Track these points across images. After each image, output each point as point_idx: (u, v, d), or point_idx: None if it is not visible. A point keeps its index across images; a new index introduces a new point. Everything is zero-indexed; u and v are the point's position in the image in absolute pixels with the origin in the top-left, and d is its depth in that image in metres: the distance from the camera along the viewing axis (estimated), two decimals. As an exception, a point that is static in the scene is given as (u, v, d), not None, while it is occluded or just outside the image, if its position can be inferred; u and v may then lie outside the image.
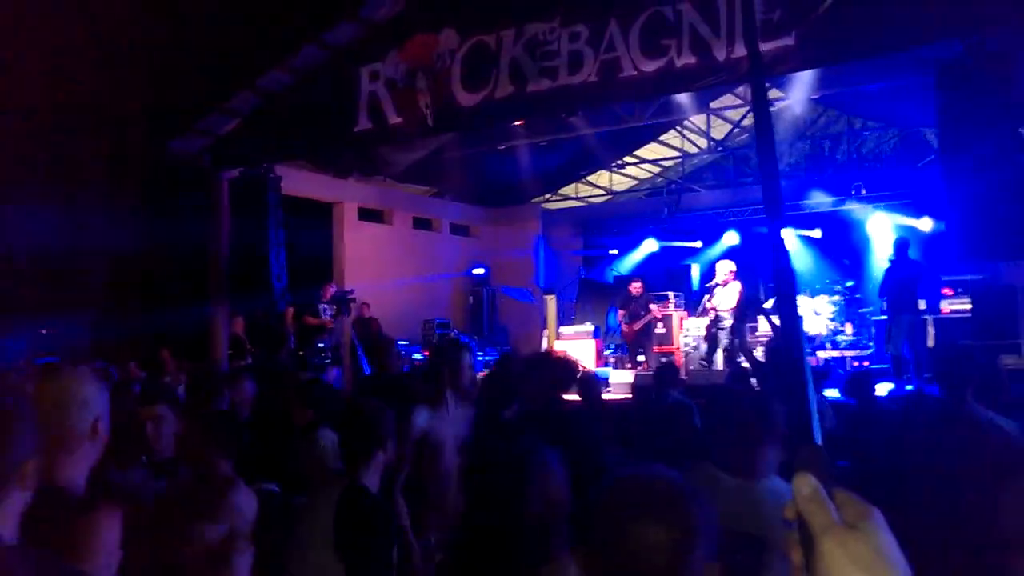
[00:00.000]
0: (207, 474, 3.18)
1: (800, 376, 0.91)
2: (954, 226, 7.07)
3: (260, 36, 9.75)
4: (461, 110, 9.21)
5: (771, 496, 2.51)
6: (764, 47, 7.34)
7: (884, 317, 11.33)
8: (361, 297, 13.07)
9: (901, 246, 10.68)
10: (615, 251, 17.68)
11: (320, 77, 10.29)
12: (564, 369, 4.06)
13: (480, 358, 14.45)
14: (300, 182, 12.98)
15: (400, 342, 14.09)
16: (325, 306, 11.85)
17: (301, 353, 11.56)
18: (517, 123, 11.95)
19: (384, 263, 14.76)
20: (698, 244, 16.67)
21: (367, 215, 15.24)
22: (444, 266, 16.45)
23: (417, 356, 14.16)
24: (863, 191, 14.27)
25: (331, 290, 12.15)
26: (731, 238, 15.88)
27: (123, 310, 12.61)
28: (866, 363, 11.69)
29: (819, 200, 14.62)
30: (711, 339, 11.85)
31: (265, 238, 11.03)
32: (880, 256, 12.92)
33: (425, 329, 15.12)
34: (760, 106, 1.10)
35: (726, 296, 11.60)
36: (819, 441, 0.89)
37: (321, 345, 11.63)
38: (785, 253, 1.00)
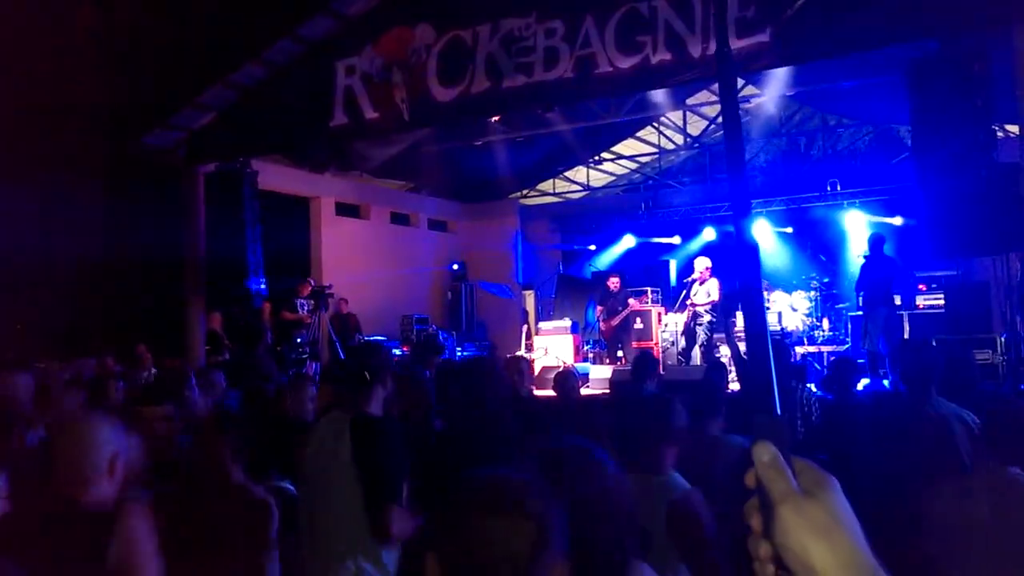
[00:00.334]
0: (222, 482, 3.19)
1: (762, 349, 0.93)
2: (927, 223, 7.15)
3: (234, 30, 9.66)
4: (437, 105, 9.19)
5: (660, 490, 2.71)
6: (739, 44, 7.37)
7: (860, 313, 11.43)
8: (339, 292, 13.02)
9: (876, 242, 10.78)
10: (593, 247, 17.73)
11: (295, 71, 10.22)
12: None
13: (459, 353, 14.45)
14: (276, 177, 12.89)
15: (378, 337, 14.09)
16: (302, 301, 11.79)
17: (279, 348, 11.50)
18: (493, 118, 11.93)
19: (362, 258, 14.70)
20: (676, 240, 16.75)
21: (344, 210, 15.17)
22: (422, 261, 16.41)
23: (396, 351, 14.13)
24: (838, 187, 14.38)
25: (309, 285, 12.09)
26: (709, 234, 15.97)
27: (98, 305, 12.49)
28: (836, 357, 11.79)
29: (795, 196, 14.73)
30: (689, 334, 11.90)
31: (242, 233, 10.96)
32: (855, 252, 13.03)
33: (403, 324, 15.08)
34: (729, 104, 1.11)
35: (704, 292, 11.67)
36: (778, 412, 0.90)
37: (299, 340, 11.58)
38: (751, 246, 1.02)
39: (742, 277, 1.03)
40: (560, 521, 1.50)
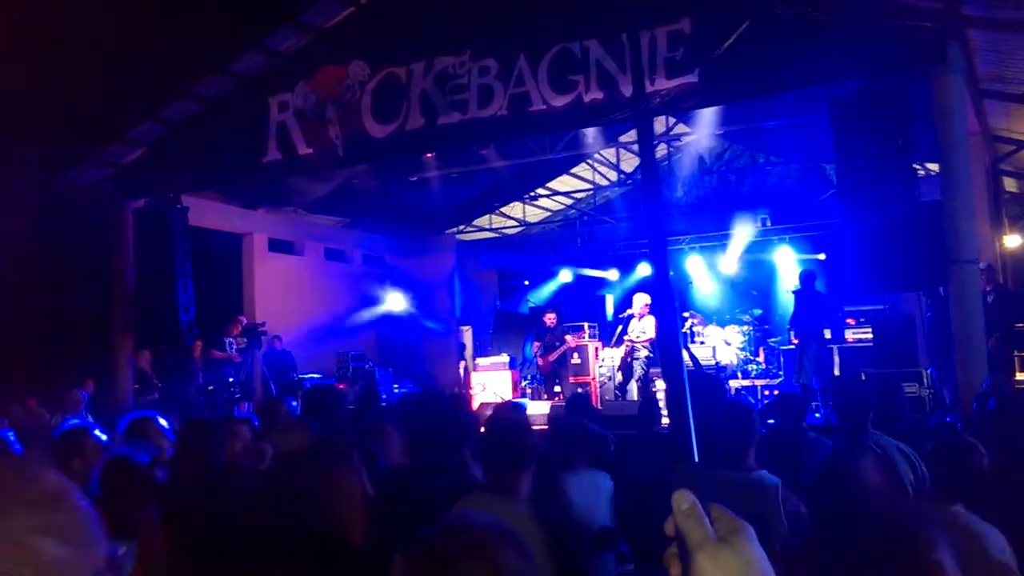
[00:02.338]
0: None
1: (680, 393, 0.95)
2: (851, 259, 7.31)
3: (163, 65, 9.49)
4: (372, 141, 9.15)
5: (516, 518, 2.67)
6: (668, 84, 7.52)
7: (792, 347, 11.64)
8: (273, 330, 12.77)
9: (807, 278, 11.03)
10: (527, 282, 17.79)
11: (227, 107, 10.09)
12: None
13: (396, 390, 14.28)
14: (208, 213, 12.65)
15: (314, 375, 13.84)
16: (231, 340, 11.52)
17: (210, 388, 11.21)
18: (428, 155, 11.93)
19: (296, 295, 14.46)
20: (612, 275, 16.90)
21: (277, 246, 14.93)
22: (358, 297, 16.22)
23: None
24: (768, 223, 14.70)
25: (240, 323, 11.83)
26: (644, 269, 16.15)
27: (23, 344, 12.00)
28: (775, 392, 11.96)
29: (724, 232, 15.02)
30: (626, 369, 11.97)
31: (171, 270, 10.73)
32: (786, 287, 13.30)
33: (339, 362, 14.86)
34: (645, 146, 1.13)
35: (642, 328, 11.77)
36: (696, 458, 0.93)
37: (230, 379, 11.30)
38: (667, 281, 1.03)
39: (660, 320, 1.04)
40: (531, 567, 1.49)
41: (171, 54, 9.22)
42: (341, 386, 14.23)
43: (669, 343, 1.00)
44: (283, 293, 14.28)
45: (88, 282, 11.23)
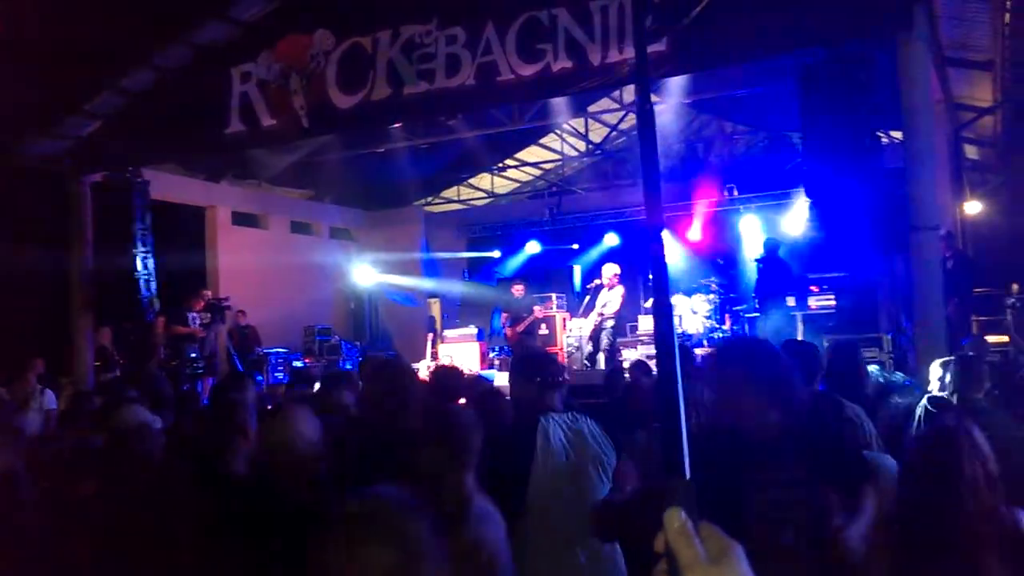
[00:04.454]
0: None
1: (673, 408, 0.94)
2: (815, 226, 7.39)
3: (123, 34, 9.22)
4: (337, 112, 9.01)
5: None
6: (637, 53, 7.47)
7: (757, 315, 11.77)
8: (237, 304, 12.63)
9: (770, 245, 11.15)
10: (498, 253, 17.76)
11: (189, 77, 9.85)
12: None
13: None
14: (169, 186, 12.44)
15: (279, 350, 13.74)
16: (194, 315, 11.36)
17: (172, 364, 11.07)
18: (395, 126, 11.79)
19: (261, 269, 14.29)
20: (578, 246, 16.93)
21: (242, 220, 14.74)
22: (325, 271, 16.09)
23: (298, 363, 13.82)
24: (735, 192, 14.80)
25: (203, 298, 11.67)
26: (611, 239, 16.19)
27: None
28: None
29: (691, 201, 15.09)
30: (596, 340, 12.03)
31: (132, 245, 10.54)
32: (751, 255, 13.42)
33: (306, 336, 14.76)
34: (644, 107, 1.11)
35: (611, 298, 11.82)
36: (688, 475, 0.93)
37: (192, 355, 11.16)
38: (662, 260, 1.01)
39: (654, 292, 1.02)
40: (438, 544, 1.51)
41: (131, 23, 8.98)
42: (307, 359, 14.19)
43: (664, 345, 0.99)
44: (248, 267, 14.11)
45: (46, 258, 10.99)
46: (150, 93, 10.04)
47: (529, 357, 3.95)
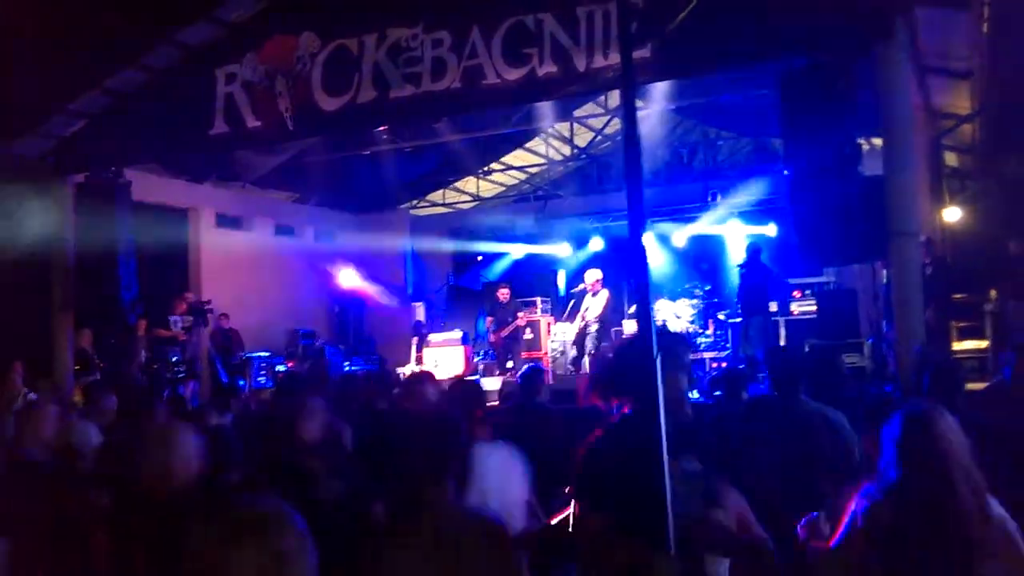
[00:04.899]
0: None
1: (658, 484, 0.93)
2: (796, 232, 7.44)
3: (109, 34, 9.19)
4: (322, 114, 9.01)
5: None
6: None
7: (740, 320, 11.85)
8: (220, 307, 12.58)
9: (753, 252, 11.24)
10: (482, 257, 17.78)
11: (174, 78, 9.82)
12: None
13: (347, 367, 14.20)
14: (152, 187, 12.37)
15: (263, 353, 13.69)
16: (177, 318, 11.31)
17: (154, 367, 11.02)
18: (381, 129, 11.80)
19: (244, 271, 14.24)
20: (565, 250, 16.98)
21: (225, 221, 14.68)
22: (309, 274, 16.05)
23: (281, 367, 13.77)
24: (719, 197, 14.89)
25: (185, 301, 11.62)
26: (596, 244, 16.25)
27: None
28: (723, 364, 12.18)
29: (678, 206, 15.16)
30: (580, 344, 12.08)
31: (114, 246, 10.44)
32: (735, 261, 13.52)
33: (289, 339, 14.71)
34: (628, 112, 1.13)
35: (595, 303, 11.88)
36: (672, 548, 0.90)
37: (175, 359, 11.11)
38: (644, 264, 1.03)
39: (637, 296, 1.04)
40: (305, 547, 1.56)
41: (117, 22, 8.95)
42: (290, 363, 14.14)
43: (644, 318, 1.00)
44: (231, 270, 14.06)
45: (27, 259, 10.92)
46: (135, 93, 10.00)
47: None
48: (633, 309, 13.97)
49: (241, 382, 12.30)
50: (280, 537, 1.54)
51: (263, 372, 13.27)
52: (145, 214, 11.50)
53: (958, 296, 9.93)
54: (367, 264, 16.78)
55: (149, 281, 11.03)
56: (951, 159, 12.64)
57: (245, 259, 14.49)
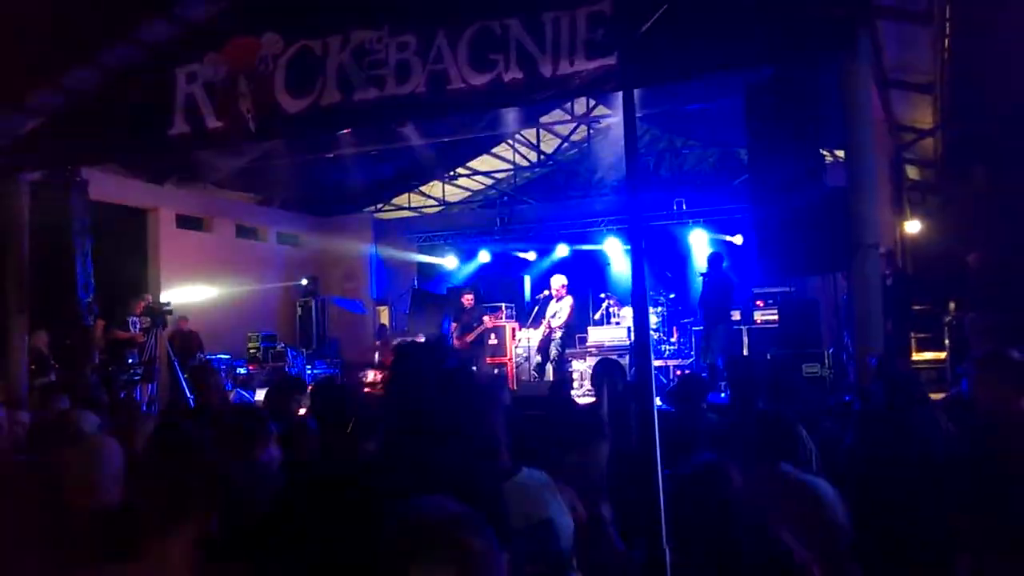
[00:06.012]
0: None
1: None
2: (759, 242, 7.47)
3: (65, 31, 8.99)
4: (285, 116, 8.87)
5: None
6: (588, 66, 7.52)
7: (702, 328, 11.88)
8: (180, 309, 12.36)
9: (714, 260, 11.29)
10: (447, 262, 17.71)
11: (133, 77, 9.63)
12: None
13: (309, 372, 14.04)
14: (111, 186, 12.14)
15: (222, 356, 13.49)
16: (135, 319, 11.11)
17: (110, 369, 10.79)
18: (344, 131, 11.67)
19: (205, 273, 14.03)
20: (531, 256, 16.95)
21: (186, 223, 14.46)
22: (271, 276, 15.85)
23: (242, 370, 13.58)
24: (684, 206, 14.96)
25: (143, 302, 11.41)
26: (562, 250, 16.25)
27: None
28: (687, 371, 12.21)
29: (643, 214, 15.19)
30: (544, 351, 12.04)
31: (70, 246, 10.22)
32: (699, 269, 13.58)
33: (250, 342, 14.51)
34: (628, 116, 1.08)
35: (560, 309, 11.85)
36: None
37: (131, 360, 10.89)
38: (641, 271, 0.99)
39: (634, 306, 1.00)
40: (497, 556, 1.45)
41: (73, 19, 8.75)
42: (251, 367, 13.95)
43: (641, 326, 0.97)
44: (191, 271, 13.85)
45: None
46: (92, 92, 9.79)
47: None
48: (599, 315, 14.00)
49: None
50: (471, 545, 1.44)
51: (223, 374, 13.07)
52: (104, 214, 11.28)
53: (918, 307, 10.04)
54: (330, 268, 16.65)
55: (107, 282, 10.82)
56: (912, 172, 12.80)
57: (205, 261, 14.29)
